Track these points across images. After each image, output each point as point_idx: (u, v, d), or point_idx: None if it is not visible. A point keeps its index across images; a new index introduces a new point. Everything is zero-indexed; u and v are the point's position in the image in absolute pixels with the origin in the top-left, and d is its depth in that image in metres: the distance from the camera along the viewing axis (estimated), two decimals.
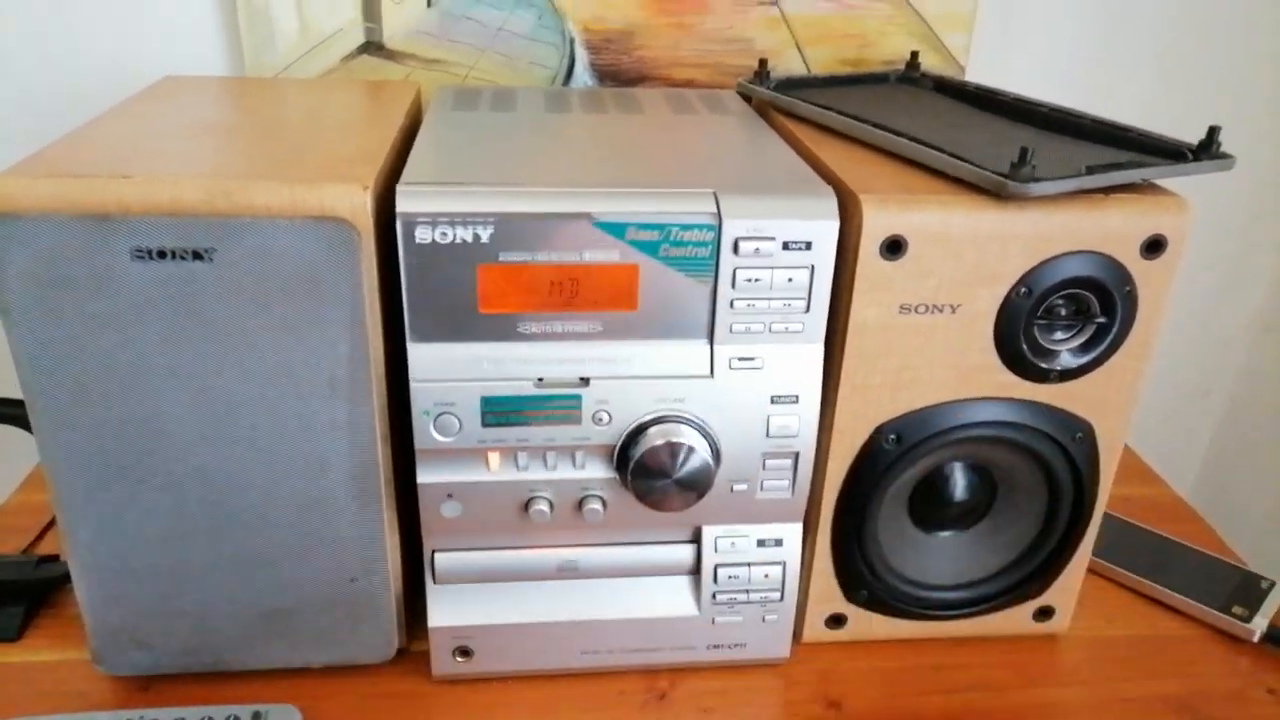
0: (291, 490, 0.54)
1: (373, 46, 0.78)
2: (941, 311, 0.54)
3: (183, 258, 0.48)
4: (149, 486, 0.53)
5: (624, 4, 0.78)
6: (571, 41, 0.79)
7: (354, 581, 0.57)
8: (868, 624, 0.64)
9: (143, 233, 0.47)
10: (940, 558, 0.63)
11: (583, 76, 0.81)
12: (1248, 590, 0.69)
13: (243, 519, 0.55)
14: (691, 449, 0.53)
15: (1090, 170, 0.52)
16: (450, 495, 0.55)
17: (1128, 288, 0.54)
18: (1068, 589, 0.64)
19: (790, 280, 0.52)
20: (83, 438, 0.51)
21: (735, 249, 0.51)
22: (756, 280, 0.52)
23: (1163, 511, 0.80)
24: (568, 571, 0.59)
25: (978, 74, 0.84)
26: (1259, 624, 0.66)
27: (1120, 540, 0.73)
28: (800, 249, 0.51)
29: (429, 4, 0.77)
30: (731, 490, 0.57)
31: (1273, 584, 0.69)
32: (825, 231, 0.51)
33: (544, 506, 0.56)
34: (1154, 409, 1.04)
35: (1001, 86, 0.70)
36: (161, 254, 0.48)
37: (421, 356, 0.52)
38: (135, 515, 0.54)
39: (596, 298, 0.52)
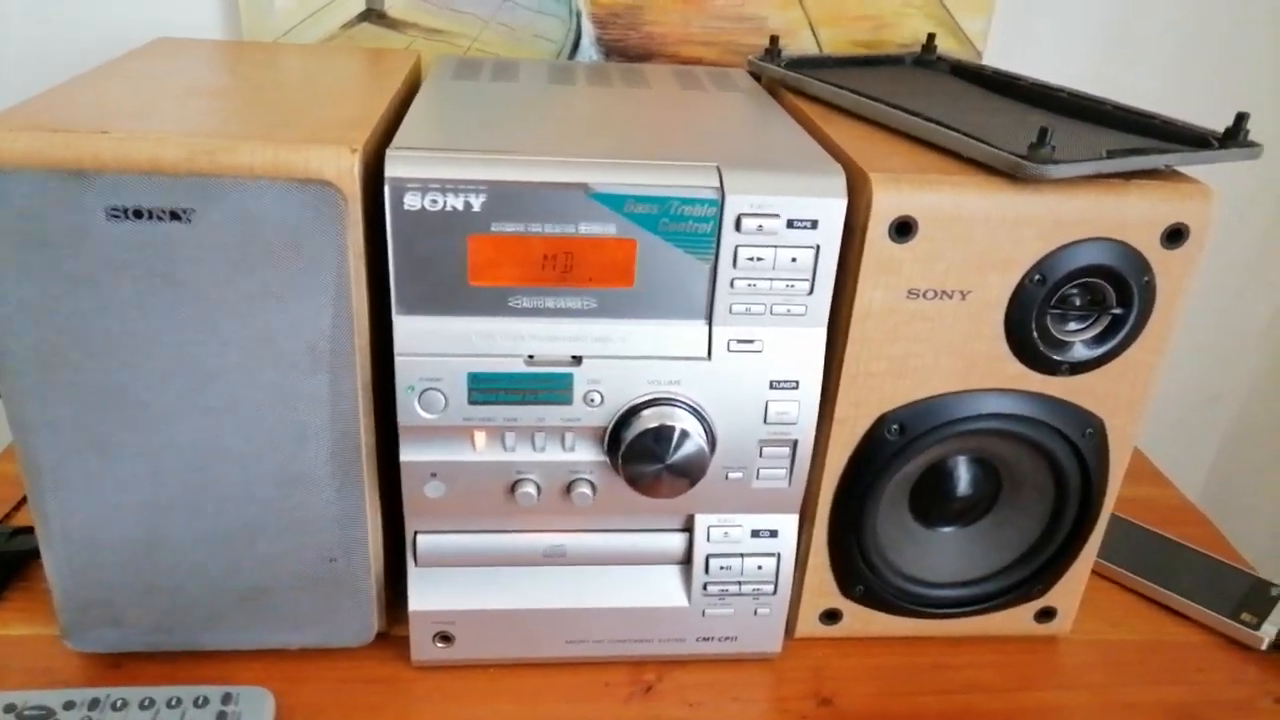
0: (271, 464, 0.52)
1: (374, 14, 0.76)
2: (951, 297, 0.52)
3: (160, 218, 0.46)
4: (122, 457, 0.51)
5: None
6: (578, 15, 0.77)
7: (333, 562, 0.55)
8: (864, 620, 0.62)
9: (119, 191, 0.45)
10: (941, 554, 0.61)
11: (589, 51, 0.78)
12: (1257, 597, 0.67)
13: (220, 493, 0.53)
14: (686, 433, 0.51)
15: (1111, 154, 0.50)
16: (434, 475, 0.53)
17: (1146, 278, 0.52)
18: (1071, 590, 0.62)
19: (794, 260, 0.50)
20: (54, 405, 0.49)
21: (738, 225, 0.49)
22: (759, 259, 0.50)
23: (1170, 514, 0.77)
24: (554, 557, 0.57)
25: (995, 60, 0.81)
26: (1268, 631, 0.64)
27: (1127, 542, 0.71)
28: (805, 227, 0.49)
29: None
30: (726, 478, 0.55)
31: None
32: (832, 210, 0.49)
33: (531, 489, 0.54)
34: (1163, 411, 1.01)
35: (1020, 73, 0.67)
36: (138, 213, 0.46)
37: (407, 329, 0.50)
38: (107, 487, 0.52)
39: (591, 273, 0.50)
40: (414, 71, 0.67)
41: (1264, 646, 0.64)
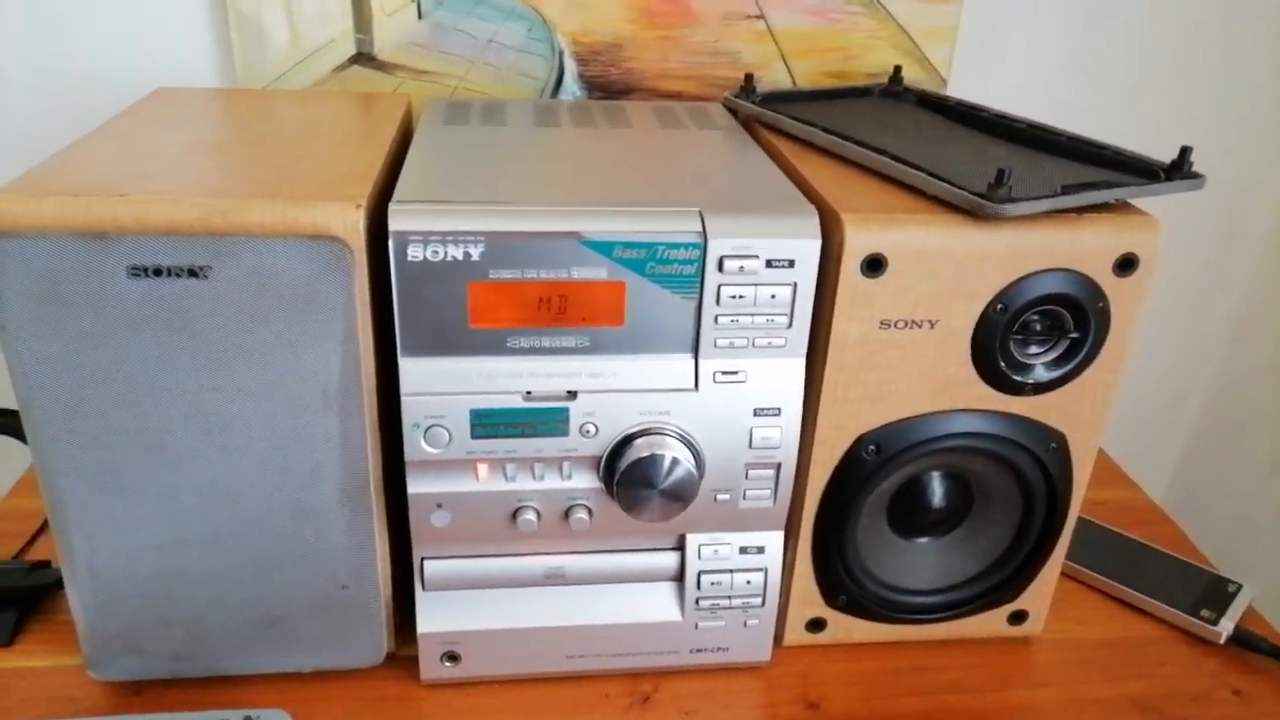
0: (285, 500, 0.55)
1: (363, 58, 0.79)
2: (920, 327, 0.55)
3: (178, 275, 0.49)
4: (144, 497, 0.54)
5: (613, 17, 0.79)
6: (560, 53, 0.80)
7: (345, 588, 0.58)
8: (847, 628, 0.65)
9: (139, 251, 0.48)
10: (918, 563, 0.65)
11: (571, 88, 0.82)
12: (1216, 593, 0.71)
13: (236, 528, 0.56)
14: (676, 460, 0.55)
15: (1065, 190, 0.54)
16: (440, 505, 0.56)
17: (1100, 304, 0.56)
18: (1041, 593, 0.66)
19: (773, 297, 0.54)
20: (78, 450, 0.52)
21: (720, 267, 0.52)
22: (740, 297, 0.53)
23: (1135, 515, 0.81)
24: (554, 578, 0.60)
25: (960, 87, 0.85)
26: (1226, 626, 0.68)
27: (1093, 544, 0.75)
28: (783, 266, 0.53)
29: (420, 16, 0.78)
30: (715, 500, 0.58)
31: (1239, 587, 0.71)
32: (807, 250, 0.53)
33: (531, 516, 0.57)
34: (1130, 414, 1.06)
35: (983, 100, 0.71)
36: (157, 272, 0.49)
37: (412, 370, 0.53)
38: (130, 525, 0.55)
39: (584, 313, 0.53)
40: (406, 116, 0.70)
41: (1222, 641, 0.68)
